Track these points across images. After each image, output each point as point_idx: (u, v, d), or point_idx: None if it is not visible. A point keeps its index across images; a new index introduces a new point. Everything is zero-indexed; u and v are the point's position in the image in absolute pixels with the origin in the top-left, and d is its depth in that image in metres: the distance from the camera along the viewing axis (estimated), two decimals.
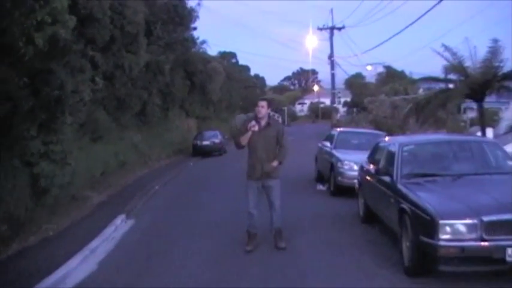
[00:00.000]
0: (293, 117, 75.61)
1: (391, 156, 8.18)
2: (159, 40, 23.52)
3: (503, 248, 5.60)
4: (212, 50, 47.66)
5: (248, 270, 7.08)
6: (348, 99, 69.61)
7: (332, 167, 13.19)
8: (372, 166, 9.13)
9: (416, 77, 28.42)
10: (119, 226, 10.32)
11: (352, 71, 69.32)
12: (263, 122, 7.90)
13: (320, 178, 15.32)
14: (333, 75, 44.49)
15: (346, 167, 12.56)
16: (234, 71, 52.75)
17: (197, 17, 28.74)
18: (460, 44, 16.64)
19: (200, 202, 13.04)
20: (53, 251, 8.26)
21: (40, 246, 8.62)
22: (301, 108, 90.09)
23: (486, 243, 5.66)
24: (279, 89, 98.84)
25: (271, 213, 8.04)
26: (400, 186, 7.22)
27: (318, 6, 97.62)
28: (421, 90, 31.52)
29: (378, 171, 8.44)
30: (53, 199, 10.72)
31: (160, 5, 24.03)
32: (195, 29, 30.55)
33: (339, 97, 59.87)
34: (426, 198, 6.46)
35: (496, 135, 24.14)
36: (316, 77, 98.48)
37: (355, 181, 10.82)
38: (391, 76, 59.99)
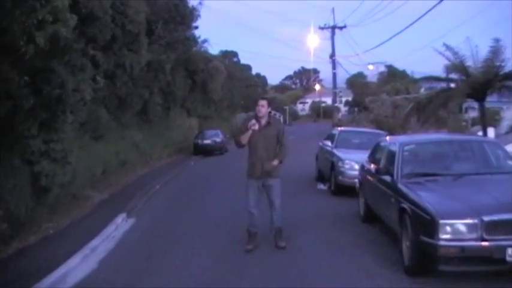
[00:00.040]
0: (294, 116, 75.59)
1: (391, 155, 8.17)
2: (160, 39, 23.50)
3: (504, 248, 5.60)
4: (213, 49, 47.66)
5: (248, 269, 7.08)
6: (350, 99, 69.56)
7: (333, 166, 13.19)
8: (372, 165, 9.13)
9: (417, 76, 28.46)
10: (120, 225, 10.33)
11: (354, 70, 69.43)
12: (263, 121, 7.90)
13: (321, 177, 15.33)
14: (334, 75, 44.57)
15: (346, 166, 12.57)
16: (236, 70, 52.69)
17: (198, 16, 28.74)
18: (461, 44, 16.65)
19: (201, 201, 13.05)
20: (53, 250, 8.26)
21: (40, 245, 8.62)
22: (303, 108, 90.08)
23: (486, 243, 5.67)
24: (281, 88, 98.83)
25: (272, 212, 8.04)
26: (400, 186, 7.22)
27: (319, 5, 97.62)
28: (422, 90, 31.48)
29: (378, 171, 8.43)
30: (53, 198, 10.72)
31: (162, 4, 24.00)
32: (196, 28, 30.56)
33: (341, 96, 59.63)
34: (426, 197, 6.46)
35: (497, 135, 24.17)
36: (318, 76, 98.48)
37: (356, 180, 10.82)
38: (393, 75, 60.00)
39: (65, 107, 10.29)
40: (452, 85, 17.93)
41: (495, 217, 5.74)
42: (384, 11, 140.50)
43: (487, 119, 18.73)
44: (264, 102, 7.93)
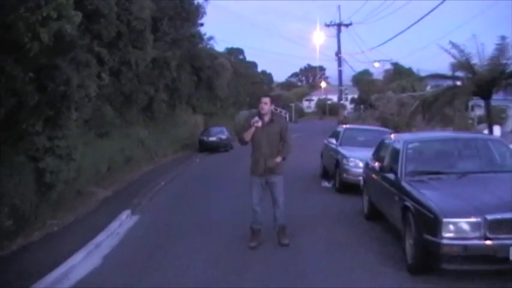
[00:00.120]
0: (300, 113, 75.46)
1: (395, 153, 8.16)
2: (165, 36, 23.49)
3: (507, 247, 5.58)
4: (219, 46, 47.54)
5: (251, 266, 7.09)
6: (355, 96, 69.46)
7: (337, 164, 13.18)
8: (376, 163, 9.10)
9: (423, 74, 28.38)
10: (124, 222, 10.36)
11: (360, 67, 69.31)
12: (266, 118, 7.90)
13: (325, 175, 15.32)
14: (340, 72, 44.52)
15: (351, 164, 12.55)
16: (241, 67, 52.68)
17: (204, 13, 28.75)
18: (467, 41, 16.56)
19: (206, 198, 13.05)
20: (57, 246, 8.30)
21: (44, 242, 8.65)
22: (309, 105, 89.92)
23: (490, 242, 5.64)
24: (287, 85, 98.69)
25: (275, 209, 8.04)
26: (404, 184, 7.20)
27: (325, 3, 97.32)
28: (428, 88, 31.40)
29: (382, 169, 8.41)
30: (57, 194, 10.73)
31: (167, 1, 23.99)
32: (202, 25, 30.55)
33: (346, 94, 59.75)
34: (430, 196, 6.44)
35: (503, 133, 24.03)
36: (324, 74, 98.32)
37: (360, 178, 10.80)
38: (399, 73, 59.80)
39: (69, 103, 10.31)
40: (458, 83, 17.84)
41: (499, 216, 5.72)
42: (389, 9, 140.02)
43: (493, 117, 18.64)
44: (267, 100, 7.92)
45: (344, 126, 18.13)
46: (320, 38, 53.32)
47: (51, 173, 10.24)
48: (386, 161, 8.50)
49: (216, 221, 9.97)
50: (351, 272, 6.70)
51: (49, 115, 9.86)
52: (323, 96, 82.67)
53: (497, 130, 21.54)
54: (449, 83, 18.32)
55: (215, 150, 28.53)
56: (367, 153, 10.66)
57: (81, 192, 12.60)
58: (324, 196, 12.74)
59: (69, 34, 8.79)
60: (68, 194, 11.48)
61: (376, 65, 54.60)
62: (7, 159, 9.07)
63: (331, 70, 65.47)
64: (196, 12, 27.79)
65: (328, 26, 44.21)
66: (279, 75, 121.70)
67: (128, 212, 10.99)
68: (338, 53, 43.76)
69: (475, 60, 16.31)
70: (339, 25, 43.19)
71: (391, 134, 11.51)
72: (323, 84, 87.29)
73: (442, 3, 20.29)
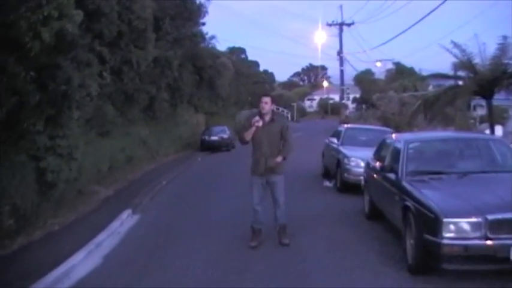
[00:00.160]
0: (302, 113, 75.41)
1: (396, 153, 8.15)
2: (167, 35, 23.50)
3: (508, 247, 5.57)
4: (221, 46, 47.64)
5: (252, 266, 7.08)
6: (357, 96, 69.44)
7: (339, 164, 13.18)
8: (377, 163, 9.09)
9: (425, 73, 28.32)
10: (125, 221, 10.36)
11: (361, 67, 69.24)
12: (267, 118, 7.89)
13: (327, 174, 15.32)
14: (341, 72, 44.54)
15: (352, 163, 12.55)
16: (243, 67, 52.72)
17: (206, 12, 28.77)
18: (469, 41, 16.55)
19: (207, 198, 13.06)
20: (58, 245, 8.29)
21: (45, 241, 8.64)
22: (311, 104, 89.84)
23: (490, 242, 5.63)
24: (288, 84, 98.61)
25: (275, 209, 8.04)
26: (404, 184, 7.19)
27: (327, 2, 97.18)
28: (430, 87, 31.38)
29: (383, 168, 8.40)
30: (59, 194, 10.74)
31: (169, 0, 24.01)
32: (203, 24, 30.57)
33: (348, 93, 59.62)
34: (430, 196, 6.43)
35: (505, 133, 24.02)
36: (326, 73, 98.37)
37: (361, 178, 10.80)
38: (400, 73, 59.82)
39: (70, 102, 10.31)
40: (460, 83, 17.83)
41: (499, 216, 5.71)
42: (391, 8, 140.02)
43: (494, 117, 18.63)
44: (267, 99, 7.92)
45: (345, 125, 18.14)
46: (322, 37, 53.34)
47: (52, 172, 10.25)
48: (387, 161, 8.49)
49: (216, 221, 9.97)
50: (351, 271, 6.69)
51: (50, 114, 9.86)
52: (325, 96, 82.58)
53: (499, 130, 21.54)
54: (451, 82, 18.31)
55: (217, 150, 28.56)
56: (369, 152, 10.65)
57: (82, 192, 12.60)
58: (325, 196, 12.74)
59: (70, 33, 8.81)
60: (69, 193, 11.48)
61: (378, 64, 54.66)
62: (8, 158, 9.07)
63: (333, 69, 65.73)
64: (198, 12, 27.80)
65: (330, 25, 44.26)
66: (281, 75, 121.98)
67: (129, 211, 10.99)
68: (340, 53, 43.79)
69: (476, 60, 16.31)
70: (341, 24, 43.21)
71: (392, 133, 11.51)
72: (325, 84, 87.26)
73: (443, 2, 20.25)
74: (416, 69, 57.27)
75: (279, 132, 7.91)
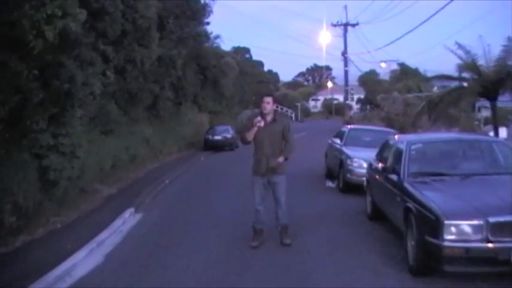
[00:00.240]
0: (306, 113, 75.37)
1: (399, 154, 8.13)
2: (171, 34, 23.54)
3: (509, 250, 5.56)
4: (226, 45, 47.83)
5: (252, 266, 7.08)
6: (362, 96, 69.35)
7: (341, 164, 13.17)
8: (380, 164, 9.08)
9: (430, 74, 28.31)
10: (127, 220, 10.37)
11: (366, 68, 69.18)
12: (269, 118, 7.88)
13: (329, 175, 15.30)
14: (346, 72, 44.50)
15: (355, 164, 12.53)
16: (247, 66, 52.74)
17: (211, 11, 28.83)
18: (474, 42, 16.50)
19: (209, 197, 13.05)
20: (60, 243, 8.30)
21: (47, 239, 8.66)
22: (315, 105, 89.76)
23: (491, 245, 5.61)
24: (293, 84, 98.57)
25: (277, 209, 8.03)
26: (406, 185, 7.17)
27: (332, 2, 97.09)
28: (435, 89, 31.33)
29: (385, 169, 8.39)
30: (61, 192, 10.77)
31: (173, 0, 24.02)
32: (208, 23, 30.63)
33: (352, 94, 59.69)
34: (432, 197, 6.41)
35: (509, 135, 23.93)
36: (330, 74, 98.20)
37: (364, 179, 10.78)
38: (405, 73, 59.72)
39: (73, 101, 10.33)
40: (465, 84, 17.79)
41: (501, 218, 5.69)
42: (396, 9, 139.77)
43: (499, 119, 18.57)
44: (269, 99, 7.90)
45: (349, 126, 18.12)
46: (326, 37, 53.31)
47: (55, 171, 10.27)
48: (389, 162, 8.47)
49: (218, 220, 9.97)
50: (352, 272, 6.68)
51: (53, 112, 9.89)
52: (329, 96, 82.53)
53: (503, 132, 21.47)
54: (456, 84, 18.27)
55: (220, 149, 28.56)
56: (371, 153, 10.63)
57: (85, 190, 12.62)
58: (327, 196, 12.72)
59: (73, 32, 8.83)
60: (71, 191, 11.51)
61: (383, 65, 54.57)
62: (11, 156, 9.09)
63: (338, 70, 65.35)
64: (202, 11, 27.85)
65: (334, 26, 44.21)
66: (286, 75, 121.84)
67: (131, 210, 11.00)
68: (344, 53, 43.72)
69: (481, 62, 16.25)
70: (346, 25, 43.14)
71: (395, 134, 11.49)
72: (329, 84, 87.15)
73: (449, 3, 20.21)
74: (421, 70, 57.39)
75: (280, 132, 7.90)
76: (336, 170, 13.94)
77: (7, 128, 8.93)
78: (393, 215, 7.83)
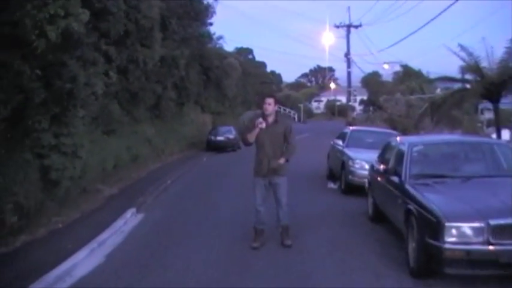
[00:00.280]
0: (309, 114, 75.29)
1: (400, 156, 8.12)
2: (174, 35, 23.51)
3: (510, 252, 5.55)
4: (229, 46, 47.74)
5: (253, 267, 7.08)
6: (365, 98, 69.27)
7: (343, 166, 13.17)
8: (381, 165, 9.07)
9: (433, 76, 28.28)
10: (129, 220, 10.36)
11: (369, 69, 69.07)
12: (270, 119, 7.87)
13: (331, 176, 15.30)
14: (349, 73, 44.50)
15: (357, 165, 12.54)
16: (250, 67, 52.73)
17: (214, 12, 28.82)
18: (477, 44, 16.53)
19: (211, 198, 13.04)
20: (61, 243, 8.29)
21: (48, 239, 8.65)
22: (318, 106, 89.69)
23: (492, 247, 5.61)
24: (296, 85, 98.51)
25: (278, 210, 8.02)
26: (407, 187, 7.17)
27: (335, 3, 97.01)
28: (438, 90, 31.27)
29: (386, 171, 8.39)
30: (63, 192, 10.76)
31: (176, 0, 24.02)
32: (211, 24, 30.63)
33: (355, 95, 59.48)
34: (433, 199, 6.41)
35: None
36: (333, 75, 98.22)
37: (366, 180, 10.77)
38: (408, 75, 59.62)
39: (76, 101, 10.33)
40: (468, 86, 17.78)
41: (502, 221, 5.68)
42: (399, 10, 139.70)
43: (502, 121, 18.55)
44: (270, 100, 7.89)
45: (351, 127, 18.11)
46: (329, 39, 53.42)
47: (57, 171, 10.27)
48: (391, 164, 8.47)
49: (219, 221, 9.97)
50: (353, 273, 6.68)
51: (55, 112, 9.89)
52: (332, 97, 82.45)
53: (506, 134, 21.40)
54: (459, 85, 18.27)
55: (222, 150, 28.55)
56: (373, 155, 10.63)
57: (86, 190, 12.62)
58: (329, 197, 12.72)
59: (76, 32, 8.80)
60: (73, 191, 11.50)
61: (386, 66, 54.49)
62: (13, 156, 9.10)
63: (341, 71, 65.61)
64: (205, 12, 27.85)
65: (337, 27, 44.23)
66: (288, 76, 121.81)
67: (133, 210, 10.99)
68: (347, 54, 43.73)
69: (484, 64, 16.25)
70: (349, 26, 43.16)
71: (397, 136, 11.49)
72: (332, 85, 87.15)
73: (453, 4, 20.16)
74: (424, 71, 57.22)
75: (282, 133, 7.89)
76: (338, 171, 13.95)
77: (9, 127, 8.93)
78: (394, 216, 7.82)
